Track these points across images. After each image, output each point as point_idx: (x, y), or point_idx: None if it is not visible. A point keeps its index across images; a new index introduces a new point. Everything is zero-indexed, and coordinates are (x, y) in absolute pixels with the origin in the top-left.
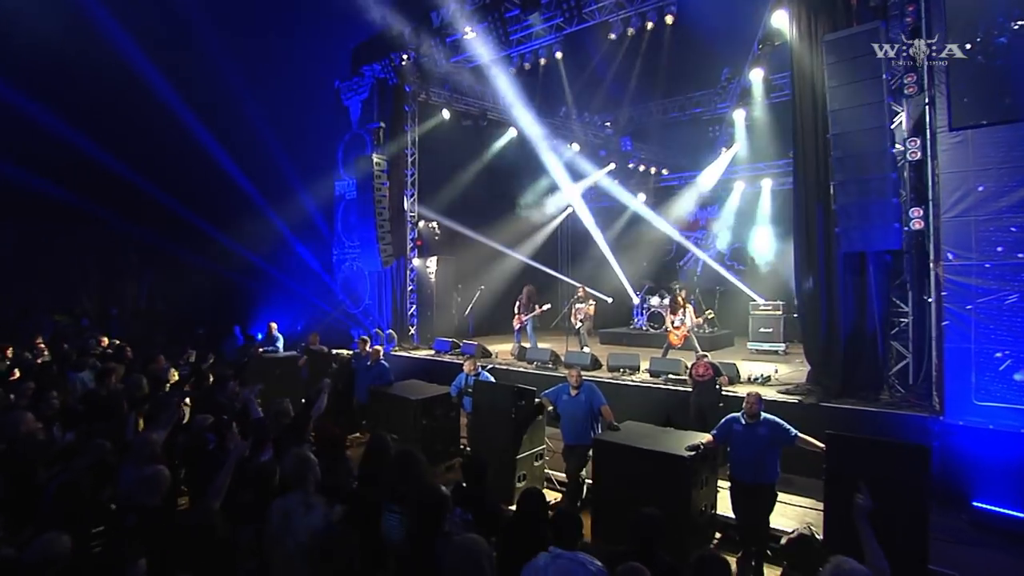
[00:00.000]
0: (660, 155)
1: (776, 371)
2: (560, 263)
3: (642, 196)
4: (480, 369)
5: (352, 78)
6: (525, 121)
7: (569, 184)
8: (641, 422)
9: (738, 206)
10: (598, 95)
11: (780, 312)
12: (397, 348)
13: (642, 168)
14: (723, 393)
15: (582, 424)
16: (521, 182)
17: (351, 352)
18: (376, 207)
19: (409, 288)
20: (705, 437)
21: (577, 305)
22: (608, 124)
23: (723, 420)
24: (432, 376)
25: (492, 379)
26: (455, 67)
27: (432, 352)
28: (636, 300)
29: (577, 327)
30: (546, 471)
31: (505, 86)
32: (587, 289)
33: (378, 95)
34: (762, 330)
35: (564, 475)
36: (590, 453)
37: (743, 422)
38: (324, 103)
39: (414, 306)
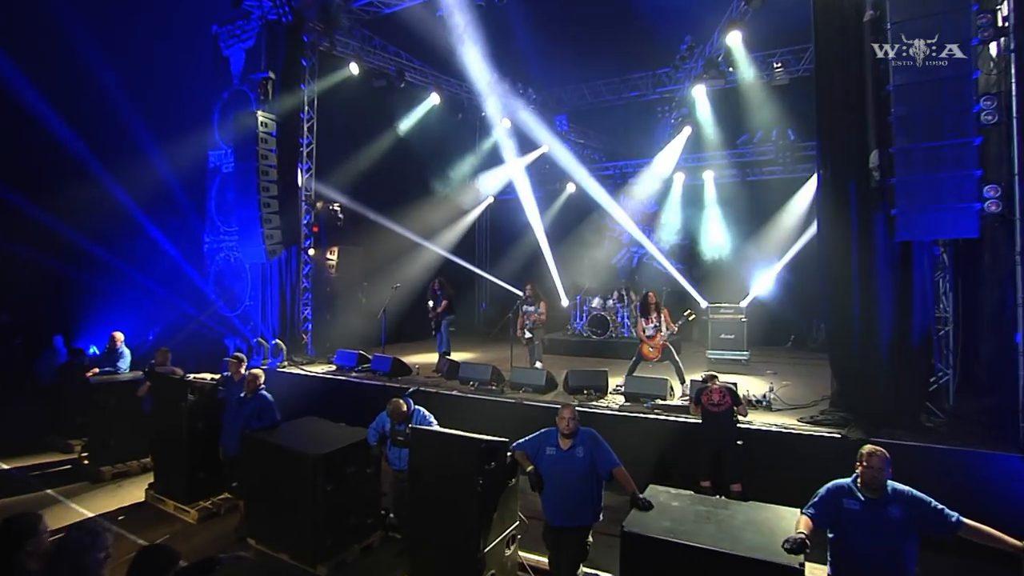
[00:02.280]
0: (599, 139)
1: (773, 389)
2: (483, 258)
3: (572, 186)
4: (417, 409)
5: (234, 21)
6: (451, 86)
7: (501, 165)
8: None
9: (680, 199)
10: (534, 63)
11: (743, 317)
12: (286, 363)
13: (576, 154)
14: (739, 426)
15: (579, 494)
16: (445, 160)
17: (219, 377)
18: (260, 180)
19: (303, 286)
20: (799, 521)
21: (526, 308)
22: (535, 96)
23: (823, 492)
24: (334, 404)
25: (434, 422)
26: (368, 11)
27: (332, 368)
28: (565, 302)
29: (526, 337)
30: (519, 557)
31: (430, 39)
32: (536, 288)
33: (267, 42)
34: (723, 336)
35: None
36: (590, 540)
37: (860, 497)
38: (197, 51)
39: (308, 308)
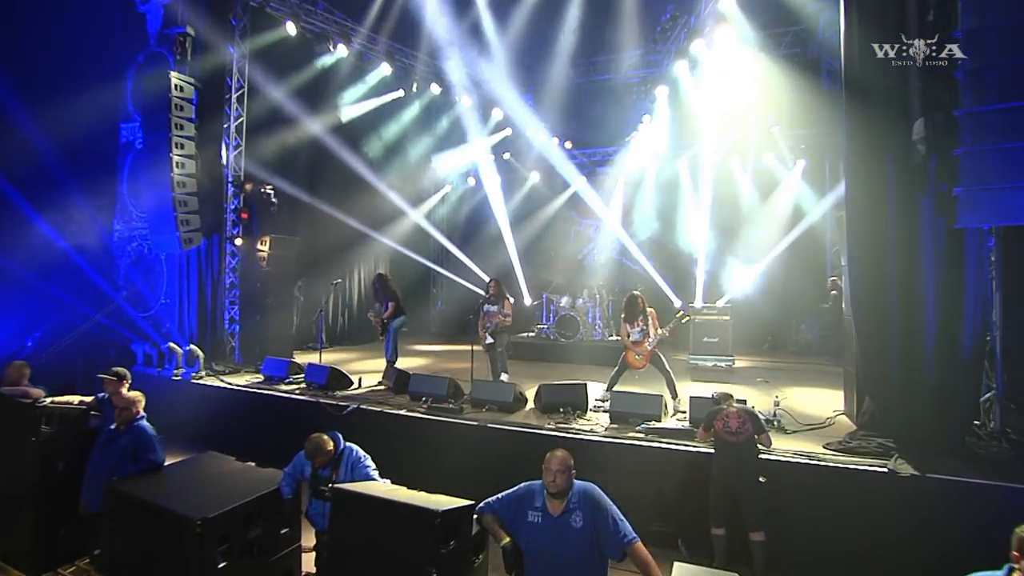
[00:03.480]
0: (567, 125)
1: (779, 403)
2: (439, 252)
3: (536, 175)
4: (348, 448)
5: None
6: (405, 57)
7: (460, 148)
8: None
9: (654, 191)
10: (498, 37)
11: (727, 318)
12: (202, 373)
13: (542, 139)
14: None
15: None
16: (396, 140)
17: (90, 400)
18: (173, 155)
19: (229, 281)
20: None
21: (487, 308)
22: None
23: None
24: (257, 424)
25: (371, 468)
26: None
27: (260, 379)
28: (528, 302)
29: (487, 342)
30: None
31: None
32: (501, 285)
33: None
34: (706, 340)
35: None
36: None
37: None
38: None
39: (236, 307)
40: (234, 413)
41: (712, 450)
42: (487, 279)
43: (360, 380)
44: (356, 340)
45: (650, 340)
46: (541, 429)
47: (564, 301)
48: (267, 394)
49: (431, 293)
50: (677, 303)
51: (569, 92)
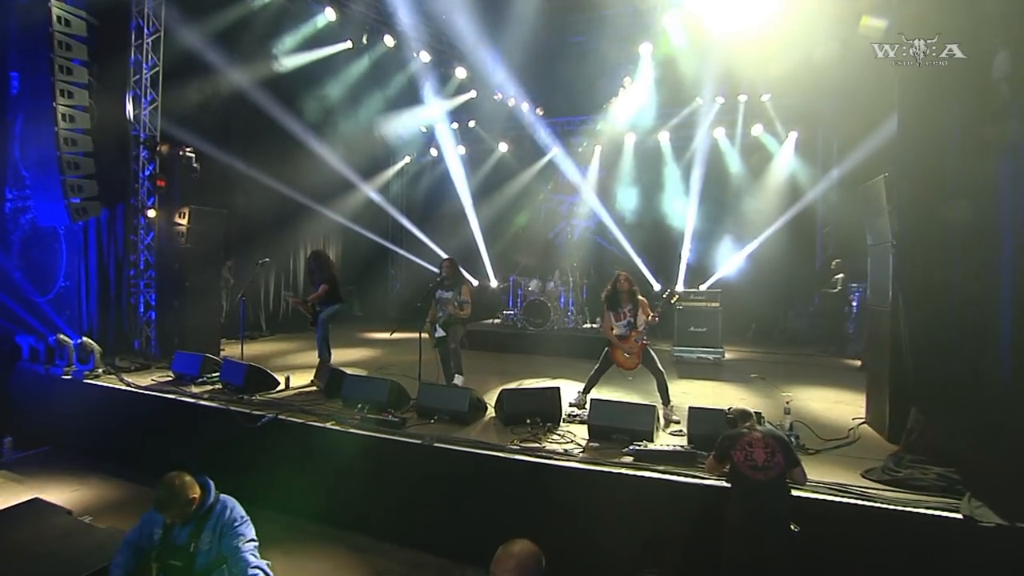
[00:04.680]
0: (537, 90)
1: (790, 410)
2: (396, 229)
3: (504, 146)
4: (221, 500)
5: None
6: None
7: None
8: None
9: (632, 165)
10: None
11: (717, 305)
12: (99, 371)
13: (511, 103)
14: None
15: None
16: (344, 101)
17: None
18: (57, 105)
19: (144, 260)
20: None
21: (440, 294)
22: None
23: None
24: (154, 435)
25: (249, 545)
26: None
27: (170, 377)
28: (494, 284)
29: (438, 335)
30: None
31: None
32: (456, 267)
33: None
34: (692, 330)
35: None
36: None
37: None
38: None
39: (152, 291)
40: (132, 421)
41: (726, 483)
42: (443, 257)
43: (288, 380)
44: (301, 328)
45: (640, 332)
46: (501, 450)
47: (533, 285)
48: (168, 398)
49: (388, 274)
50: (657, 287)
51: (541, 53)
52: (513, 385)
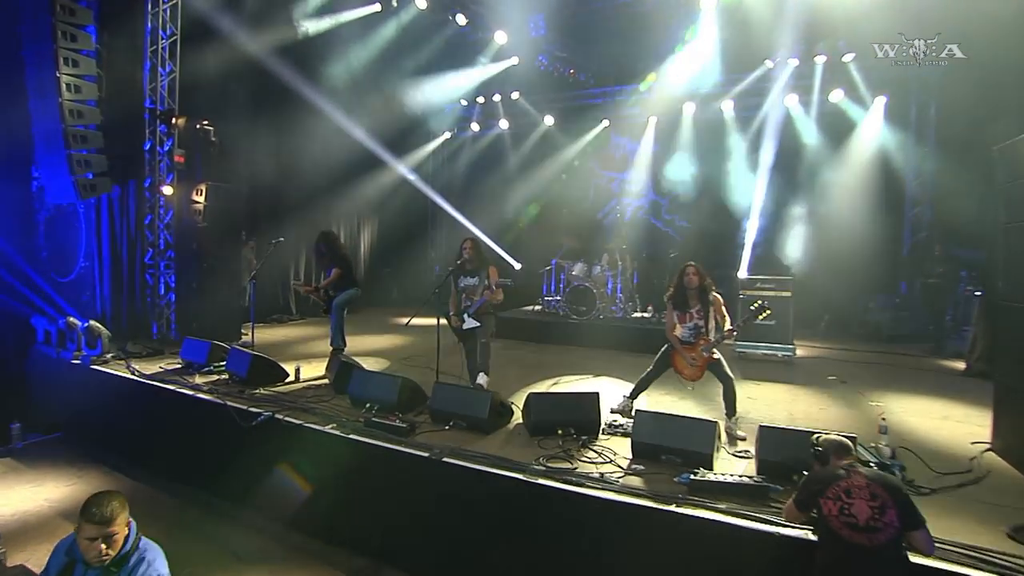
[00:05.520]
0: (586, 58)
1: (885, 428)
2: (431, 209)
3: (550, 119)
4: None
5: None
6: None
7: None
8: None
9: (691, 138)
10: None
11: (788, 294)
12: (108, 356)
13: (556, 74)
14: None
15: None
16: (375, 69)
17: None
18: (60, 74)
19: (162, 240)
20: None
21: (463, 282)
22: None
23: None
24: (154, 429)
25: None
26: None
27: (178, 363)
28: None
29: (469, 326)
30: None
31: None
32: (481, 248)
33: None
34: (758, 322)
35: None
36: None
37: None
38: None
39: (171, 272)
40: (135, 411)
41: (813, 534)
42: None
43: (298, 371)
44: (308, 316)
45: (707, 343)
46: (522, 470)
47: (577, 269)
48: (165, 389)
49: (428, 256)
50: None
51: (589, 15)
52: (549, 383)
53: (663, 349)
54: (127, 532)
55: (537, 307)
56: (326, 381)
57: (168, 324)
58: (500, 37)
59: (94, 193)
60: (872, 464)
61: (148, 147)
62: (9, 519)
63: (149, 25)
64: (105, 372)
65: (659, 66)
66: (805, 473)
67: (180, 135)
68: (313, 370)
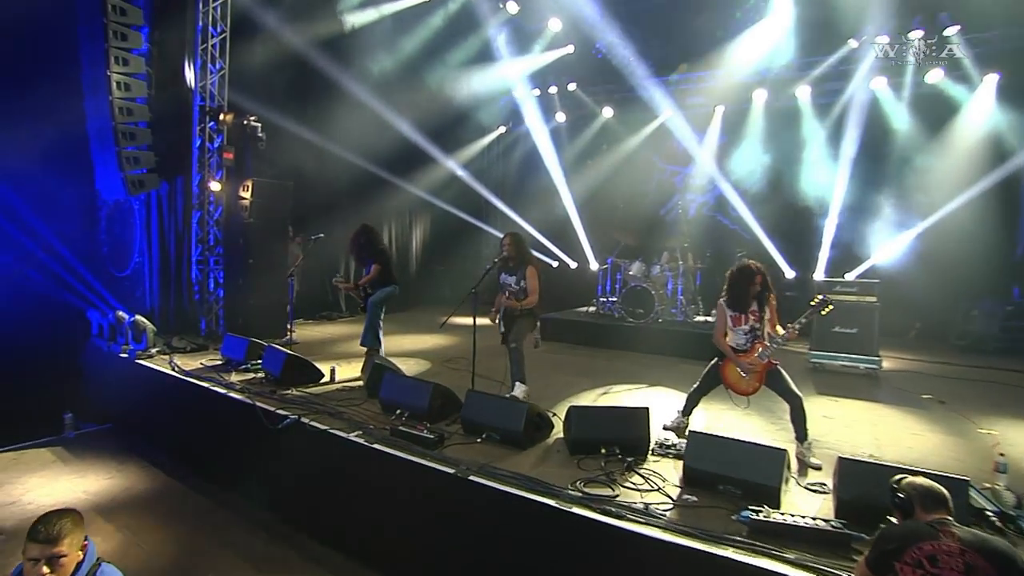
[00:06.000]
0: (647, 42)
1: (1004, 462)
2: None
3: (609, 111)
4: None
5: None
6: None
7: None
8: None
9: (762, 127)
10: None
11: (874, 299)
12: (153, 350)
13: (614, 63)
14: None
15: None
16: (423, 60)
17: None
18: (111, 73)
19: (211, 236)
20: None
21: (504, 278)
22: None
23: None
24: (192, 425)
25: None
26: None
27: (218, 360)
28: (595, 266)
29: (501, 329)
30: None
31: None
32: (520, 243)
33: None
34: (837, 330)
35: None
36: None
37: None
38: None
39: (220, 269)
40: (174, 406)
41: None
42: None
43: (333, 372)
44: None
45: (765, 348)
46: (555, 495)
47: (635, 268)
48: (198, 386)
49: (481, 254)
50: (791, 274)
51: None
52: (597, 393)
53: (711, 363)
54: (80, 556)
55: (591, 308)
56: (361, 383)
57: (217, 320)
58: (554, 25)
59: (143, 189)
60: (991, 514)
61: (198, 144)
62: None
63: (200, 23)
64: (147, 367)
65: (726, 51)
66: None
67: (228, 131)
68: (350, 370)
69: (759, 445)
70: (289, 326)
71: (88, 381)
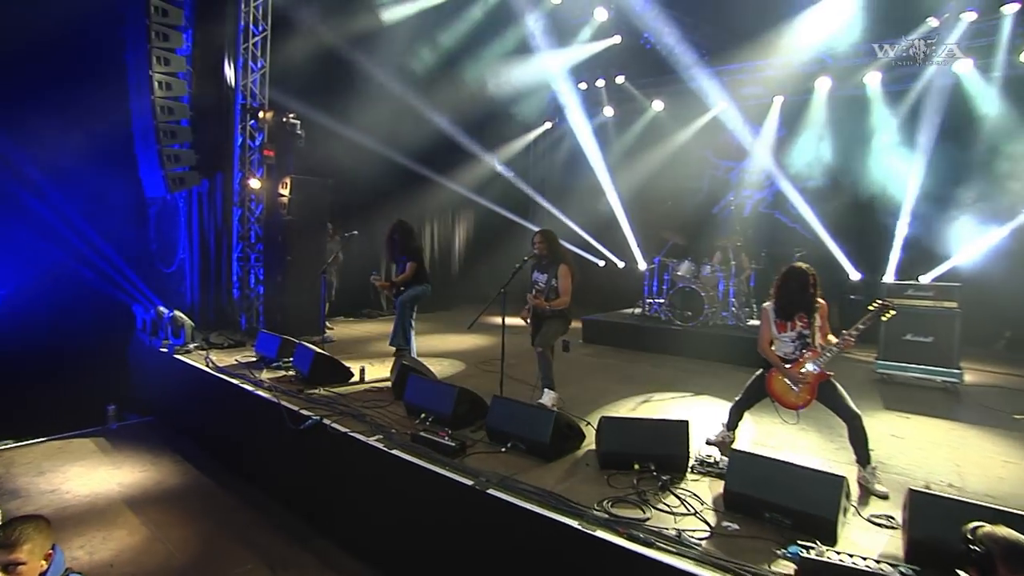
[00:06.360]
0: (698, 29)
1: None
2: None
3: (659, 104)
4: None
5: None
6: None
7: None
8: None
9: (826, 118)
10: None
11: (954, 305)
12: (190, 346)
13: (664, 53)
14: None
15: None
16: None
17: None
18: (153, 73)
19: (252, 232)
20: None
21: (536, 276)
22: None
23: None
24: (222, 422)
25: None
26: None
27: (253, 357)
28: (643, 266)
29: (534, 333)
30: None
31: None
32: (552, 240)
33: None
34: (910, 338)
35: None
36: None
37: None
38: None
39: (260, 265)
40: (207, 402)
41: None
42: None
43: (363, 372)
44: (425, 307)
45: (817, 356)
46: (579, 515)
47: (683, 269)
48: (228, 382)
49: (528, 251)
50: (856, 277)
51: None
52: (637, 401)
53: (757, 374)
54: (44, 566)
55: (636, 310)
56: (390, 384)
57: (257, 316)
58: (600, 14)
59: (183, 186)
60: None
61: (239, 142)
62: (81, 499)
63: (242, 23)
64: (183, 361)
65: (784, 36)
66: None
67: (268, 129)
68: (382, 370)
69: (813, 469)
70: (328, 323)
71: (133, 374)
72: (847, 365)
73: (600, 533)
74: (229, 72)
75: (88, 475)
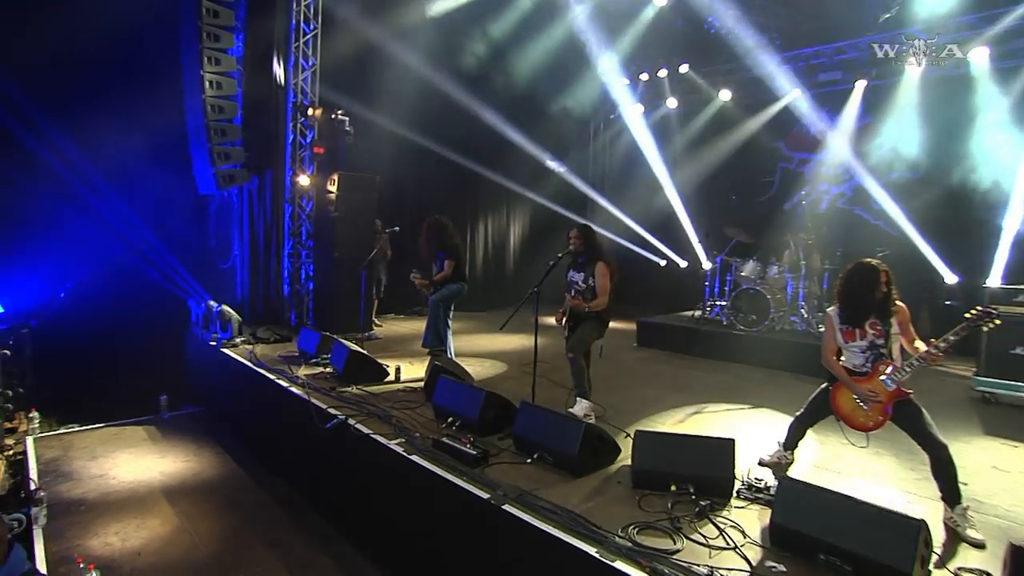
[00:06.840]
0: (773, 13)
1: None
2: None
3: (727, 94)
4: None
5: None
6: None
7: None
8: None
9: (917, 103)
10: None
11: None
12: (237, 340)
13: (732, 38)
14: None
15: None
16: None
17: None
18: (204, 73)
19: (304, 229)
20: None
21: (572, 275)
22: None
23: None
24: (259, 415)
25: None
26: None
27: (295, 352)
28: (708, 265)
29: (566, 333)
30: None
31: None
32: (592, 235)
33: None
34: (1018, 352)
35: None
36: None
37: None
38: None
39: (311, 262)
40: (247, 395)
41: None
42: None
43: (399, 371)
44: (474, 306)
45: (894, 370)
46: (600, 541)
47: (748, 269)
48: (267, 377)
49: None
50: (953, 280)
51: None
52: (686, 413)
53: (821, 388)
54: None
55: (696, 313)
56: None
57: (307, 312)
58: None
59: (233, 183)
60: None
61: (291, 140)
62: (124, 486)
63: (292, 22)
64: (228, 355)
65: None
66: None
67: (320, 128)
68: (419, 370)
69: (882, 508)
70: (376, 320)
71: (188, 366)
72: (939, 380)
73: (619, 564)
74: (278, 70)
75: (135, 463)
